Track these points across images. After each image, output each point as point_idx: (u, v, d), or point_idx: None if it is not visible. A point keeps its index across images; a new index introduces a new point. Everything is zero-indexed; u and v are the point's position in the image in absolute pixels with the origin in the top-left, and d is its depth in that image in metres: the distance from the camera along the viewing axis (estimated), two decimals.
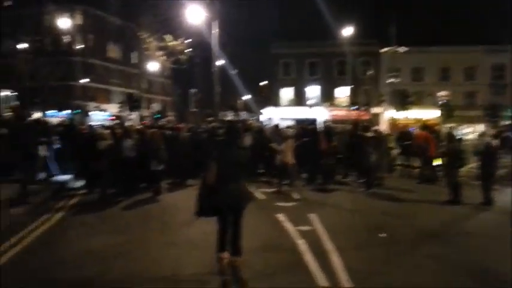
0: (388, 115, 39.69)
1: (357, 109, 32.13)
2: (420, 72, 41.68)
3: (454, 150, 9.59)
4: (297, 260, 5.54)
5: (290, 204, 9.15)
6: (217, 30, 17.53)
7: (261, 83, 49.64)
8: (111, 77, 50.52)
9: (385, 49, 28.70)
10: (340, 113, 38.97)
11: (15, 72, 38.38)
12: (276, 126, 13.29)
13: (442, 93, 40.79)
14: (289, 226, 7.15)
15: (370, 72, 42.15)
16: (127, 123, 17.39)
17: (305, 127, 13.30)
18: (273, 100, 44.37)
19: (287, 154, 10.11)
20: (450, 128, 13.65)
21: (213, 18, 17.11)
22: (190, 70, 43.14)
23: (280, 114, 38.60)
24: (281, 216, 7.79)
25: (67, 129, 12.51)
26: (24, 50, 37.00)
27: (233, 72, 46.57)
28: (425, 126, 14.22)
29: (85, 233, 6.87)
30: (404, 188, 11.58)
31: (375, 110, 40.01)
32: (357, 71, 40.69)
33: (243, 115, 44.40)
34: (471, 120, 35.05)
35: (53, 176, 11.51)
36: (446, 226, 7.53)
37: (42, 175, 11.07)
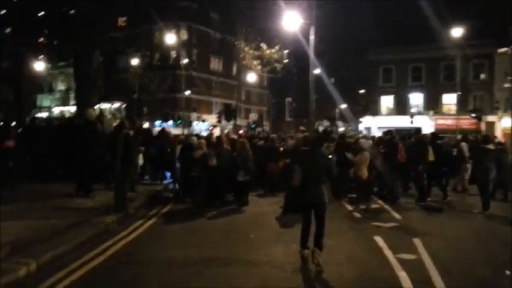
0: (504, 124, 35.29)
1: (477, 118, 28.43)
2: None
3: None
4: None
5: (389, 225, 8.17)
6: (313, 37, 16.97)
7: (359, 91, 47.90)
8: (212, 88, 52.82)
9: (503, 49, 25.18)
10: (447, 121, 35.72)
11: (127, 86, 41.88)
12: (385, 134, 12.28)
13: None
14: (389, 253, 6.22)
15: (482, 77, 38.08)
16: (223, 133, 17.66)
17: (383, 137, 12.11)
18: (371, 109, 42.36)
19: (361, 167, 9.15)
20: None
21: (310, 25, 16.58)
22: (286, 79, 43.22)
23: (379, 124, 36.57)
24: (380, 240, 6.89)
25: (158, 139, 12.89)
26: (135, 66, 40.29)
27: (330, 80, 45.62)
28: None
29: (170, 244, 6.74)
30: None
31: (488, 118, 35.90)
32: (467, 75, 37.03)
33: (339, 125, 43.13)
34: None
35: (149, 183, 11.94)
36: None
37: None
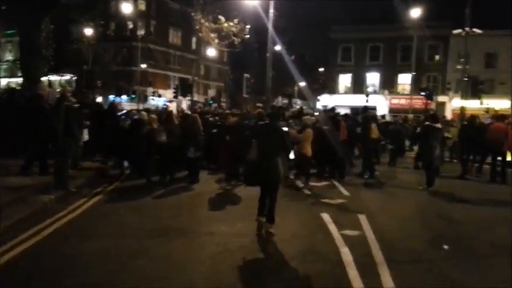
0: (454, 104, 36.69)
1: (427, 96, 29.20)
2: (493, 58, 38.09)
3: None
4: (339, 275, 4.66)
5: (337, 201, 8.23)
6: (272, 10, 16.63)
7: (319, 70, 48.20)
8: (170, 62, 51.36)
9: (458, 30, 25.95)
10: (401, 101, 36.71)
11: (80, 57, 39.85)
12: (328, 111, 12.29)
13: None
14: (334, 230, 6.24)
15: (437, 58, 39.21)
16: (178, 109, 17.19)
17: (328, 115, 12.17)
18: (329, 87, 42.79)
19: (304, 144, 9.14)
20: None
21: None
22: (247, 55, 42.64)
23: (336, 102, 37.04)
24: (326, 217, 6.91)
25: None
26: (89, 36, 38.27)
27: (290, 58, 45.39)
28: (502, 116, 12.44)
29: (110, 224, 6.44)
30: (471, 187, 10.23)
31: (440, 98, 37.17)
32: (423, 56, 37.99)
33: (298, 102, 43.36)
34: None
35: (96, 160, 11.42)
36: None
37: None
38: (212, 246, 5.44)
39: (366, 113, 12.14)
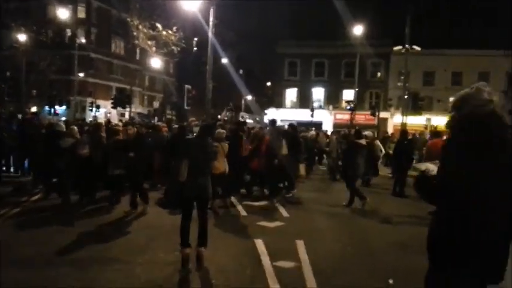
0: (396, 120, 37.78)
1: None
2: (431, 76, 39.82)
3: None
4: None
5: (274, 224, 7.48)
6: (213, 19, 15.91)
7: (267, 84, 48.18)
8: (113, 72, 49.16)
9: (398, 47, 26.87)
10: (345, 116, 37.22)
11: (13, 64, 36.93)
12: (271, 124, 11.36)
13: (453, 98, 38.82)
14: (267, 261, 5.43)
15: (379, 75, 40.36)
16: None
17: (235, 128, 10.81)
18: (276, 101, 42.73)
19: (219, 160, 8.07)
20: None
21: (210, 5, 15.47)
22: (192, 67, 41.59)
23: (283, 116, 36.89)
24: (260, 244, 6.10)
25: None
26: (22, 42, 35.57)
27: (239, 72, 45.06)
28: (440, 132, 12.42)
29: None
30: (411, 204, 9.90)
31: (382, 114, 38.11)
32: (366, 72, 38.91)
33: (246, 116, 42.87)
34: None
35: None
36: None
37: None
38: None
39: (274, 127, 11.11)
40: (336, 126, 35.89)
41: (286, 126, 14.25)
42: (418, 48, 23.63)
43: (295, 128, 11.48)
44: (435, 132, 12.47)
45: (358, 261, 5.77)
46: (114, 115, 33.45)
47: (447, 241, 2.27)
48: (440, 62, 38.19)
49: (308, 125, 28.11)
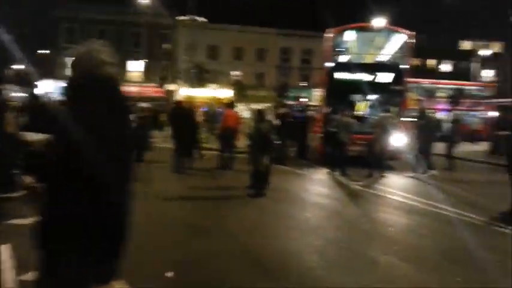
0: (183, 92, 38.37)
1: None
2: (216, 50, 41.70)
3: (262, 133, 8.30)
4: None
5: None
6: None
7: (40, 51, 42.07)
8: None
9: (182, 17, 26.56)
10: (133, 89, 35.76)
11: None
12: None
13: (236, 72, 41.76)
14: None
15: (166, 47, 39.99)
16: None
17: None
18: (55, 72, 37.79)
19: None
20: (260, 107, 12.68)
21: None
22: None
23: (60, 89, 32.93)
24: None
25: None
26: None
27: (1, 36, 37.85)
28: (232, 103, 12.83)
29: None
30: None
31: (171, 87, 38.16)
32: (153, 44, 37.94)
33: (15, 89, 36.68)
34: (261, 100, 36.67)
35: None
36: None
37: None
38: None
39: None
40: None
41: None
42: (202, 19, 23.86)
43: (37, 97, 9.74)
44: (228, 104, 12.91)
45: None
46: None
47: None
48: (223, 36, 40.26)
49: None
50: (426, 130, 11.30)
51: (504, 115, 19.17)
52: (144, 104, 11.59)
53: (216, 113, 15.94)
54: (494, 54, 40.50)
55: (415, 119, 12.35)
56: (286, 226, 6.37)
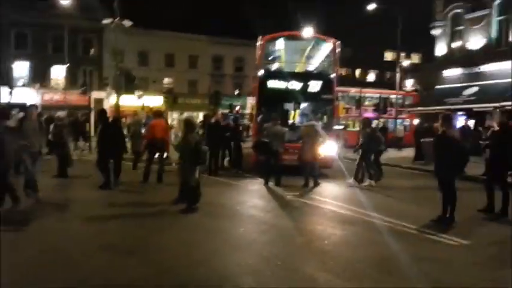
0: (111, 101, 36.34)
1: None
2: (146, 56, 40.35)
3: (191, 144, 7.81)
4: None
5: None
6: None
7: None
8: None
9: (107, 20, 24.93)
10: (55, 96, 33.45)
11: None
12: None
13: (167, 79, 40.65)
14: None
15: (92, 51, 37.95)
16: None
17: None
18: None
19: None
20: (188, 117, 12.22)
21: None
22: None
23: None
24: None
25: None
26: None
27: None
28: (161, 113, 12.28)
29: None
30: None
31: (97, 94, 36.07)
32: (77, 48, 35.77)
33: None
34: (194, 108, 35.94)
35: None
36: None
37: None
38: None
39: None
40: (46, 108, 31.69)
41: None
42: (129, 22, 22.59)
43: None
44: (156, 113, 12.19)
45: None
46: None
47: None
48: (154, 42, 39.03)
49: (11, 107, 23.45)
50: (369, 139, 11.39)
51: (422, 123, 20.25)
52: (61, 113, 10.56)
53: (143, 123, 15.09)
54: (415, 65, 43.38)
55: (361, 129, 12.28)
56: (219, 243, 5.94)
